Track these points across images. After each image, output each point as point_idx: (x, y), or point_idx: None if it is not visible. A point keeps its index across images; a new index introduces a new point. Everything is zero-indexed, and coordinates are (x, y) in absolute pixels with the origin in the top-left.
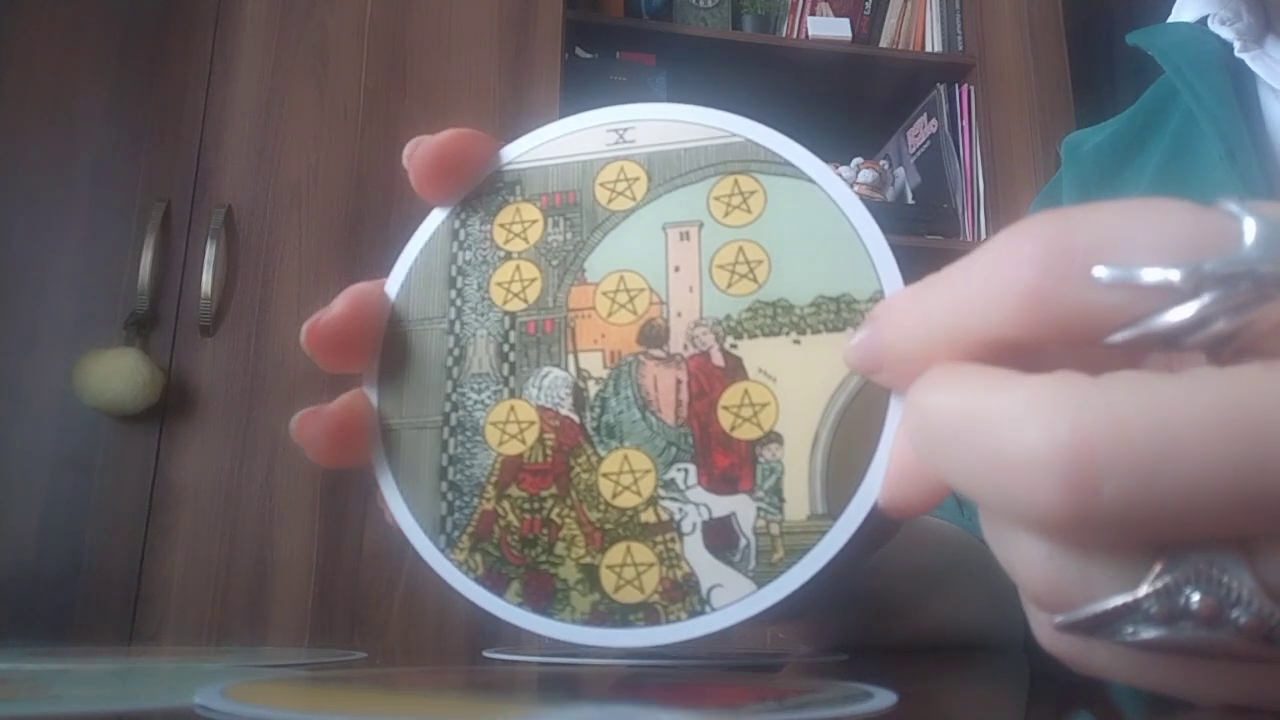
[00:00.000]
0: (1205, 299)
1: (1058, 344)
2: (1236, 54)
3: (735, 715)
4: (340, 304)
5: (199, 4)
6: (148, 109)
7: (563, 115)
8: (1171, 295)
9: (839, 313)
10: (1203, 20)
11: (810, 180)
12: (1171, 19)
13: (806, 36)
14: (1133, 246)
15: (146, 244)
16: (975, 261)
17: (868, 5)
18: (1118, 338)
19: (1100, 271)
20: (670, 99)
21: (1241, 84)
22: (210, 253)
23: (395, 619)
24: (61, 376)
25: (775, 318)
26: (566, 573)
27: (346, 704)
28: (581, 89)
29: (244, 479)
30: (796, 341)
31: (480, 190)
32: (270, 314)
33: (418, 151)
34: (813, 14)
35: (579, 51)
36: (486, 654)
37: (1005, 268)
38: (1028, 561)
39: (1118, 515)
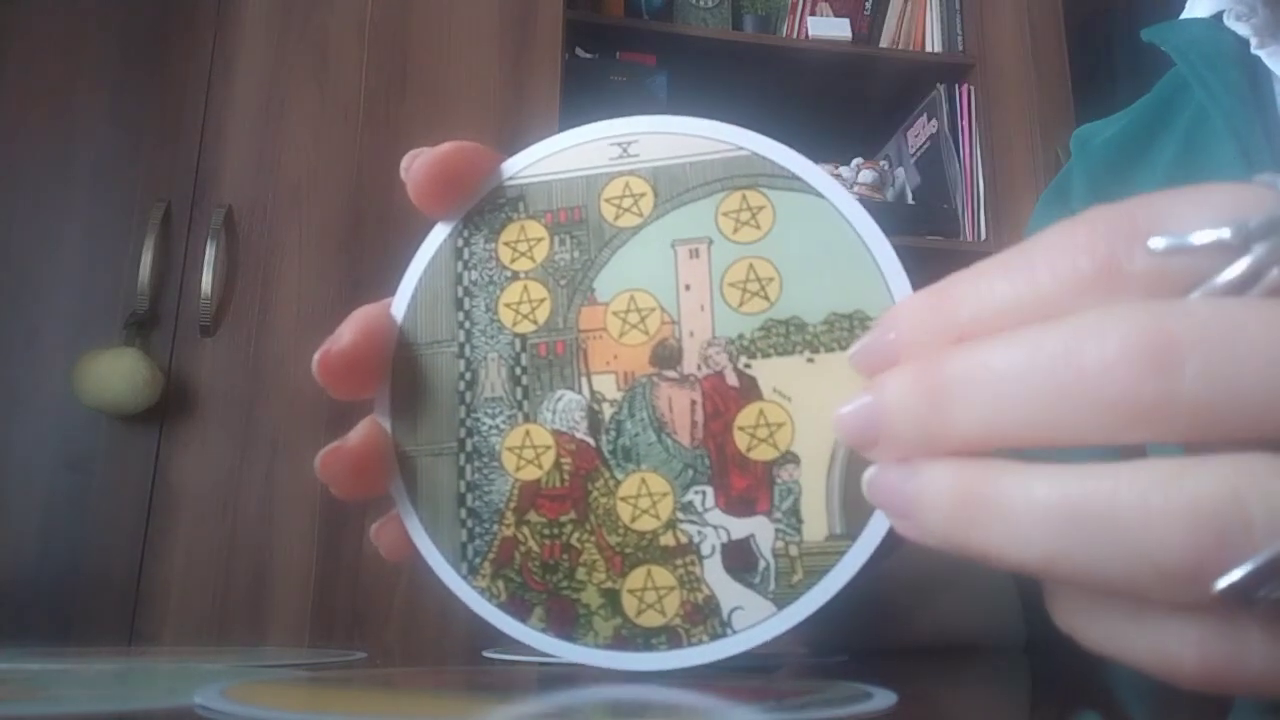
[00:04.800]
0: (1256, 251)
1: None
2: (1253, 50)
3: (750, 713)
4: (349, 332)
5: (199, 4)
6: (148, 109)
7: (563, 115)
8: (1225, 254)
9: (852, 330)
10: (1218, 15)
11: (818, 194)
12: (1185, 15)
13: (807, 37)
14: (1184, 218)
15: (146, 244)
16: (1035, 249)
17: (868, 5)
18: None
19: (1156, 242)
20: (671, 99)
21: (1256, 81)
22: (210, 253)
23: (395, 619)
24: (61, 376)
25: (788, 336)
26: (588, 598)
27: (346, 704)
28: (582, 89)
29: (244, 479)
30: (810, 360)
31: (483, 207)
32: (270, 314)
33: (416, 164)
34: (813, 14)
35: (579, 52)
36: (486, 654)
37: (1075, 245)
38: (1182, 525)
39: (1200, 399)
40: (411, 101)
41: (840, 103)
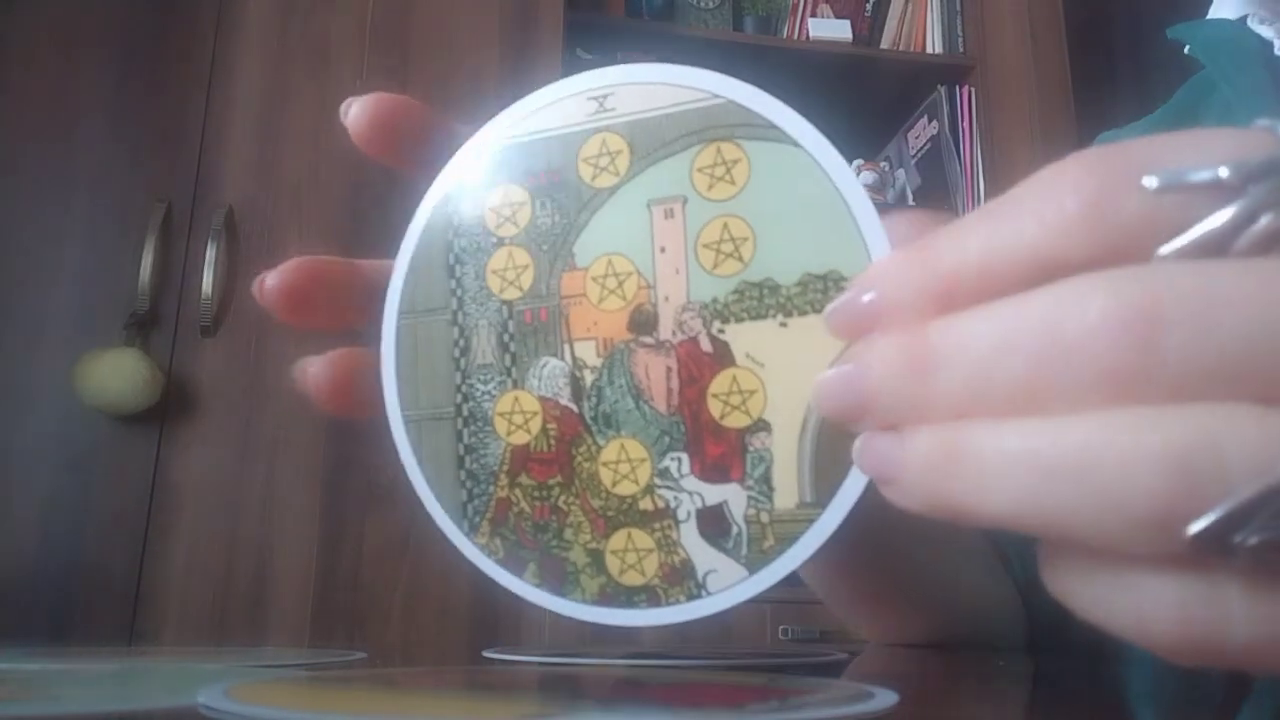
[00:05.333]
0: (1253, 193)
1: (1108, 262)
2: (1276, 53)
3: (736, 715)
4: (290, 267)
5: (199, 5)
6: (149, 110)
7: None
8: (1220, 195)
9: (826, 291)
10: (1243, 19)
11: (795, 144)
12: (1211, 15)
13: (807, 38)
14: (1181, 158)
15: (147, 244)
16: (1022, 193)
17: (869, 6)
18: (1169, 248)
19: (1150, 180)
20: None
21: (1279, 83)
22: (211, 253)
23: (395, 619)
24: (61, 376)
25: (762, 299)
26: (575, 557)
27: (347, 704)
28: None
29: (244, 479)
30: (783, 324)
31: (469, 171)
32: (270, 314)
33: (353, 109)
34: (814, 15)
35: (580, 52)
36: (486, 654)
37: (1063, 184)
38: (1152, 466)
39: (1179, 367)
40: None
41: (841, 104)
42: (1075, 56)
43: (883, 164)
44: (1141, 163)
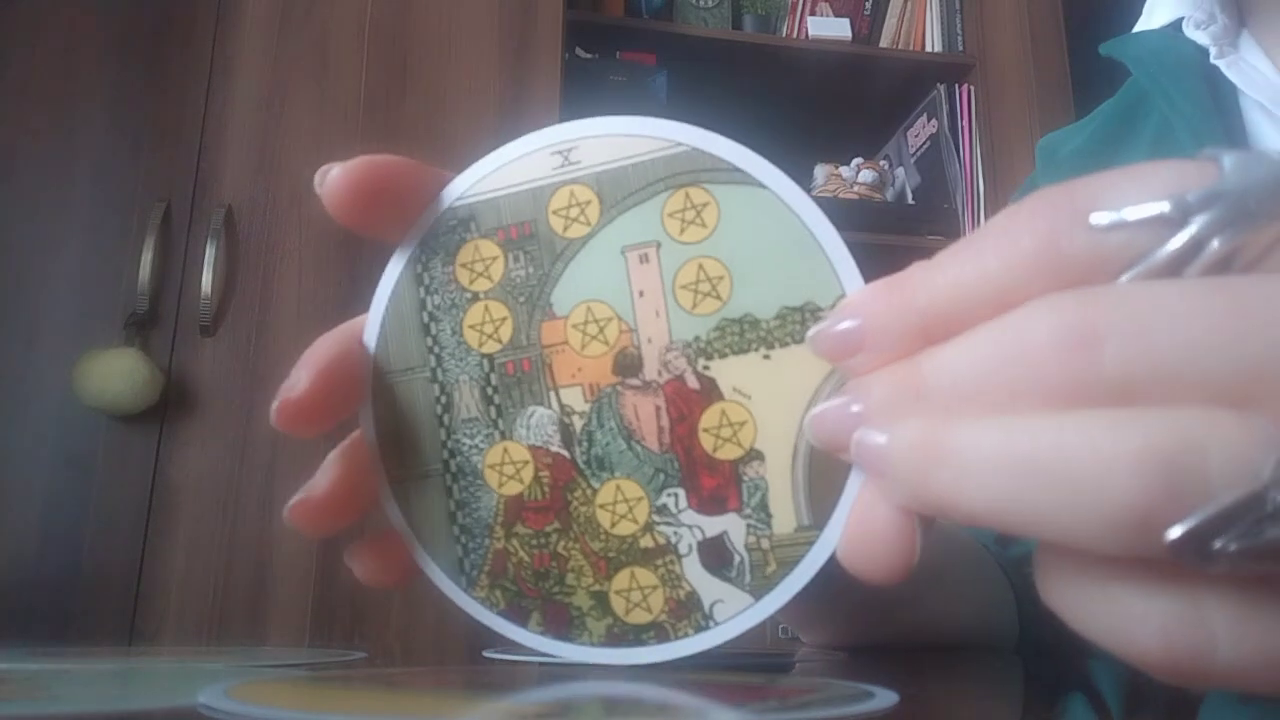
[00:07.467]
0: (1195, 224)
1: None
2: (1212, 60)
3: (736, 715)
4: (305, 378)
5: (199, 4)
6: (148, 109)
7: (563, 115)
8: (1165, 226)
9: (804, 322)
10: (1176, 24)
11: (761, 185)
12: (1140, 23)
13: (807, 36)
14: (1126, 194)
15: (147, 244)
16: (986, 232)
17: (868, 5)
18: (1126, 278)
19: (1098, 217)
20: (671, 99)
21: (1219, 90)
22: (210, 253)
23: (395, 619)
24: (61, 376)
25: (743, 334)
26: (579, 601)
27: (347, 704)
28: (582, 89)
29: (244, 479)
30: (766, 356)
31: (436, 230)
32: (270, 314)
33: (328, 179)
34: (813, 14)
35: (579, 52)
36: (486, 654)
37: (1018, 227)
38: (1135, 468)
39: (1119, 373)
40: (411, 101)
41: (840, 103)
42: (1075, 56)
43: (882, 162)
44: (1089, 200)
